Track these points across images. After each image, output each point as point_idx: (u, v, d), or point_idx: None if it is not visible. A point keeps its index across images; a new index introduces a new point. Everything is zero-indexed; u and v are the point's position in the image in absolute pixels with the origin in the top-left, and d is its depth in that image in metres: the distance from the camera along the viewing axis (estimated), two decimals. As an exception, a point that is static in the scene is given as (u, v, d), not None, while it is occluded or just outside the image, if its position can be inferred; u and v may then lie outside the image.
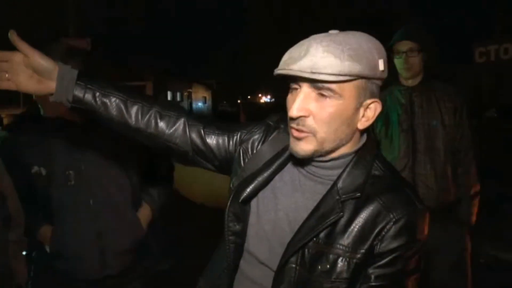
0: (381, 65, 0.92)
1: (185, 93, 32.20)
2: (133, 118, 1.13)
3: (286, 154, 1.06)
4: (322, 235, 0.97)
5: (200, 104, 35.82)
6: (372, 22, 16.25)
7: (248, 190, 1.05)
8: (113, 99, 1.12)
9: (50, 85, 1.09)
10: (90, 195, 1.68)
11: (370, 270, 0.96)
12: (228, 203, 1.08)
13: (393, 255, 0.94)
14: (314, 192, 1.01)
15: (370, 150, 1.02)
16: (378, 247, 0.95)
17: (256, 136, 1.14)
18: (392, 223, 0.94)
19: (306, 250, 0.98)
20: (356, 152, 1.01)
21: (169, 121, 1.15)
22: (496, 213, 4.57)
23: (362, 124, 0.97)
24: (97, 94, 1.11)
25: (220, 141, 1.16)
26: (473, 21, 15.95)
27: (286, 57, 0.95)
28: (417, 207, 0.97)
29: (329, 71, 0.88)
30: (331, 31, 0.95)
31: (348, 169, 0.99)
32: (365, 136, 1.03)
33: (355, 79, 0.91)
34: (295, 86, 0.96)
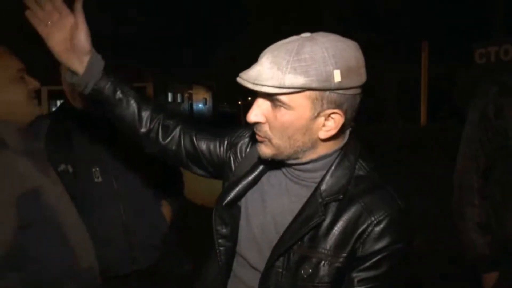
0: (336, 76, 0.87)
1: (186, 95, 32.22)
2: (143, 123, 1.17)
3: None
4: (306, 238, 0.97)
5: (200, 105, 35.83)
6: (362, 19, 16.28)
7: (232, 194, 1.06)
8: (130, 99, 1.15)
9: (76, 64, 1.10)
10: (117, 191, 1.71)
11: (354, 274, 0.95)
12: (214, 207, 1.09)
13: (377, 257, 0.94)
14: (300, 195, 1.01)
15: (353, 150, 1.01)
16: (360, 250, 0.94)
17: (245, 140, 1.15)
18: (373, 226, 0.93)
19: (291, 253, 0.98)
20: (339, 152, 1.00)
21: (167, 130, 1.18)
22: None
23: (324, 134, 0.95)
24: (118, 89, 1.13)
25: (211, 146, 1.18)
26: (473, 22, 15.95)
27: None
28: (399, 207, 0.96)
29: (270, 83, 0.88)
30: (303, 34, 0.93)
31: (330, 171, 0.98)
32: (347, 136, 1.02)
33: (303, 91, 0.89)
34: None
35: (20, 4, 1.08)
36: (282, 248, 0.97)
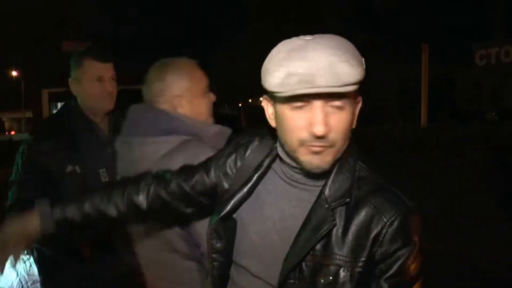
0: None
1: (186, 96, 32.16)
2: (115, 211, 1.18)
3: (265, 165, 1.05)
4: (318, 246, 0.95)
5: (200, 106, 35.78)
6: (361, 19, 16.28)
7: (228, 207, 1.05)
8: (88, 205, 1.17)
9: (35, 230, 1.14)
10: None
11: (382, 283, 0.94)
12: (209, 221, 1.09)
13: (399, 261, 0.93)
14: (301, 199, 1.00)
15: (351, 152, 1.00)
16: (378, 252, 0.94)
17: (229, 158, 1.13)
18: (387, 227, 0.93)
19: (304, 264, 0.96)
20: (339, 157, 0.98)
21: (143, 193, 1.18)
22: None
23: (354, 124, 0.97)
24: (74, 207, 1.16)
25: (198, 177, 1.16)
26: (473, 22, 15.97)
27: (291, 71, 0.86)
28: (408, 206, 0.96)
29: (350, 81, 0.86)
30: (301, 36, 0.92)
31: (332, 175, 0.97)
32: (348, 139, 1.01)
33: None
34: (299, 104, 0.90)
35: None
36: (295, 259, 0.95)
